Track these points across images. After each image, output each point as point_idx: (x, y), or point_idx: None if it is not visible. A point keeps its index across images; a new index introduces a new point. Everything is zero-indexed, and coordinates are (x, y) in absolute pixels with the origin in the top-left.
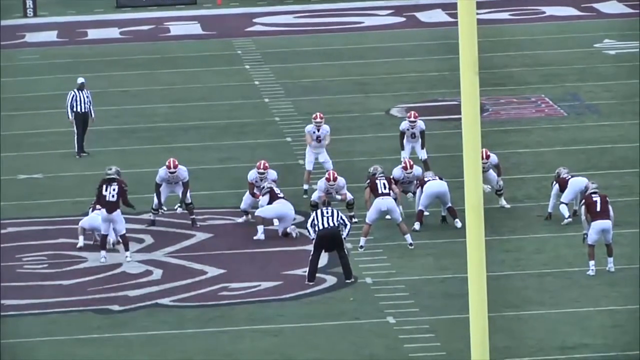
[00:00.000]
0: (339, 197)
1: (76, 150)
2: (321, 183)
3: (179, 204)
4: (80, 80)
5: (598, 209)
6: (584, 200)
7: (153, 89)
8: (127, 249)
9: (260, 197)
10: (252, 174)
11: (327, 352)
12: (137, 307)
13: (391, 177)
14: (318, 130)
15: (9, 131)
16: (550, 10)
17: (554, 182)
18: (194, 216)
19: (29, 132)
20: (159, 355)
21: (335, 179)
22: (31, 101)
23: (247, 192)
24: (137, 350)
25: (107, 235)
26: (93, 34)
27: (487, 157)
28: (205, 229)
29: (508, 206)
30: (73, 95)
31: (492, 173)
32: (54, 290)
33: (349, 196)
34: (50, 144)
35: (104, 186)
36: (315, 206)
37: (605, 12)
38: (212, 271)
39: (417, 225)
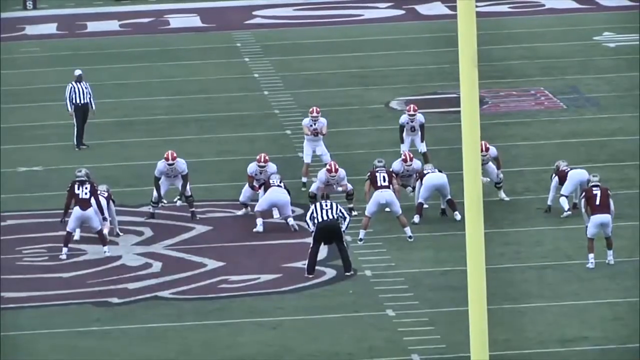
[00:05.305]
0: (339, 188)
1: (75, 142)
2: (321, 174)
3: (178, 197)
4: (78, 72)
5: (597, 202)
6: (584, 193)
7: (152, 81)
8: (104, 245)
9: (260, 190)
10: (252, 167)
11: (326, 344)
12: (136, 299)
13: (391, 170)
14: (315, 124)
15: (8, 123)
16: (549, 3)
17: (554, 175)
18: (193, 209)
19: (28, 125)
20: (159, 347)
21: (336, 171)
22: (31, 94)
23: (247, 185)
24: (137, 342)
25: (72, 233)
26: (92, 26)
27: (487, 149)
28: (205, 222)
29: (507, 199)
30: (71, 88)
31: (491, 166)
32: (53, 282)
33: (349, 187)
34: (50, 137)
35: (76, 186)
36: (313, 197)
37: (604, 5)
38: (212, 264)
39: (416, 218)
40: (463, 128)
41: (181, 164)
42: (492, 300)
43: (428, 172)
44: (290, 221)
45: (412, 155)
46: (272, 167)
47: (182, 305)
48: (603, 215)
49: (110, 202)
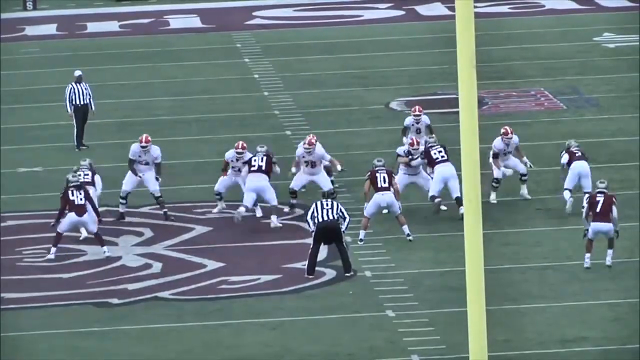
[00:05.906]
0: (327, 164)
1: (75, 143)
2: (299, 149)
3: (156, 176)
4: (78, 72)
5: (598, 210)
6: (588, 199)
7: (153, 82)
8: (102, 245)
9: (226, 175)
10: (230, 154)
11: (326, 345)
12: (136, 300)
13: (399, 160)
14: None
15: (9, 124)
16: (549, 4)
17: (563, 152)
18: (166, 209)
19: (29, 126)
20: (159, 348)
21: (310, 144)
22: (31, 94)
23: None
24: (137, 343)
25: (62, 234)
26: (92, 27)
27: (512, 132)
28: (205, 222)
29: (529, 197)
30: (71, 89)
31: (513, 159)
32: (53, 283)
33: (329, 185)
34: (50, 137)
35: (70, 192)
36: (293, 194)
37: (604, 6)
38: (212, 264)
39: (442, 207)
40: (462, 129)
41: (155, 149)
42: (492, 300)
43: (437, 158)
44: (274, 221)
45: (419, 140)
46: (249, 155)
47: (182, 306)
48: (602, 224)
49: (96, 176)
